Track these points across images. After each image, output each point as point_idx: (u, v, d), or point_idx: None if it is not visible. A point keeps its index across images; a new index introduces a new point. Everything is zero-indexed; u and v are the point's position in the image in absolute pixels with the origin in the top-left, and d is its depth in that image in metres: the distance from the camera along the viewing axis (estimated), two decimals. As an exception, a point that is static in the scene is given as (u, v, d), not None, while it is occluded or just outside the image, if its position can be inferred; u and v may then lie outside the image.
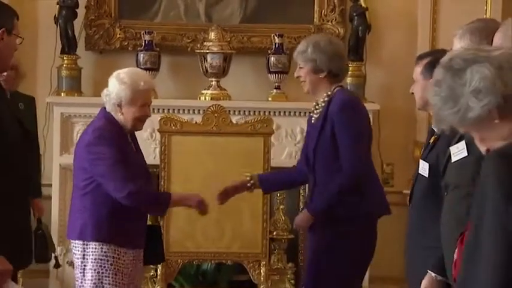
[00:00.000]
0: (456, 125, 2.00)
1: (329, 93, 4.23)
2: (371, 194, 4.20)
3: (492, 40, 3.07)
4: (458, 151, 3.41)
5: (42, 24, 6.43)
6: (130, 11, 6.53)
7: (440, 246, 3.50)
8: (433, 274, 3.62)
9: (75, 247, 4.06)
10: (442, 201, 3.61)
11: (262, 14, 6.53)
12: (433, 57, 3.91)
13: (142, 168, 4.14)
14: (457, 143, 3.43)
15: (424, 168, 3.81)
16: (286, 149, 6.38)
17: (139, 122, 4.10)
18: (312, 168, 4.25)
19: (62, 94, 6.40)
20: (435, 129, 3.86)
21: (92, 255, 4.00)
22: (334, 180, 4.16)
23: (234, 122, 5.73)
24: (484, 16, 6.32)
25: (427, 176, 3.77)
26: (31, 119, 5.43)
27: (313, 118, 4.30)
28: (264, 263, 5.61)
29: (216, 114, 5.52)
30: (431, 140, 3.84)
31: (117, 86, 4.03)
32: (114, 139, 3.99)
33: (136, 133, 4.12)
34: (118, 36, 6.51)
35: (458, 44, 3.41)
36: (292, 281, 6.21)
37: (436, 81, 2.11)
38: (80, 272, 4.04)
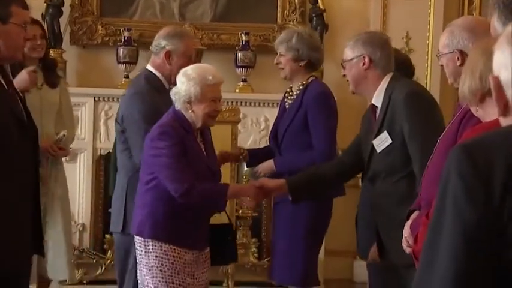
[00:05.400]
0: None
1: (304, 82, 4.26)
2: None
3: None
4: (381, 142, 3.49)
5: (31, 21, 6.32)
6: (111, 9, 6.51)
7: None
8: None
9: (137, 243, 3.67)
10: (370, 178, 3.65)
11: (231, 14, 6.52)
12: None
13: (206, 166, 3.70)
14: (377, 135, 3.50)
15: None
16: (252, 136, 6.38)
17: (210, 118, 3.68)
18: (279, 146, 4.28)
19: (49, 84, 6.31)
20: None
21: (153, 252, 3.60)
22: (307, 153, 4.16)
23: (205, 111, 5.66)
24: (428, 17, 6.37)
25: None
26: None
27: (287, 103, 4.31)
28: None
29: (188, 104, 5.44)
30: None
31: (185, 82, 3.62)
32: (177, 136, 3.58)
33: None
34: (100, 32, 6.49)
35: (446, 40, 3.14)
36: (256, 254, 6.25)
37: None
38: (141, 269, 3.65)
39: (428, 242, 1.44)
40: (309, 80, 4.27)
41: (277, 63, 4.31)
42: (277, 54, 4.34)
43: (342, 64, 3.70)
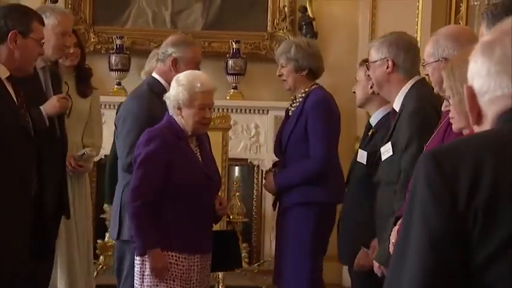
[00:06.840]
0: None
1: (306, 90, 4.28)
2: (331, 184, 4.20)
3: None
4: (385, 151, 3.48)
5: (25, 29, 6.32)
6: (104, 17, 6.52)
7: (372, 222, 3.55)
8: (365, 250, 3.70)
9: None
10: (375, 184, 3.67)
11: (222, 22, 6.53)
12: None
13: (200, 172, 3.64)
14: (385, 143, 3.49)
15: (362, 156, 3.85)
16: (242, 142, 6.39)
17: (200, 125, 3.61)
18: (284, 153, 4.29)
19: (42, 91, 6.32)
20: (372, 124, 3.93)
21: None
22: (304, 163, 4.18)
23: (196, 118, 5.66)
24: (416, 26, 6.40)
25: (364, 163, 3.81)
26: None
27: (290, 111, 4.34)
28: (222, 243, 5.57)
29: (180, 111, 5.44)
30: (370, 133, 3.90)
31: (175, 88, 3.59)
32: (163, 142, 3.55)
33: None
34: (92, 40, 6.49)
35: (431, 49, 3.21)
36: (246, 259, 6.24)
37: None
38: (140, 278, 3.59)
39: (398, 246, 1.47)
40: (312, 88, 4.28)
41: (279, 75, 4.33)
42: (273, 64, 4.37)
43: (366, 65, 3.68)
